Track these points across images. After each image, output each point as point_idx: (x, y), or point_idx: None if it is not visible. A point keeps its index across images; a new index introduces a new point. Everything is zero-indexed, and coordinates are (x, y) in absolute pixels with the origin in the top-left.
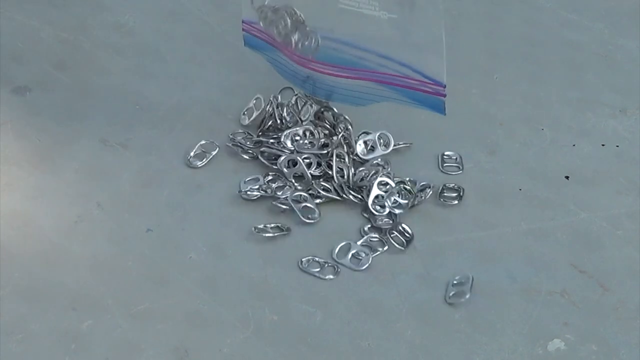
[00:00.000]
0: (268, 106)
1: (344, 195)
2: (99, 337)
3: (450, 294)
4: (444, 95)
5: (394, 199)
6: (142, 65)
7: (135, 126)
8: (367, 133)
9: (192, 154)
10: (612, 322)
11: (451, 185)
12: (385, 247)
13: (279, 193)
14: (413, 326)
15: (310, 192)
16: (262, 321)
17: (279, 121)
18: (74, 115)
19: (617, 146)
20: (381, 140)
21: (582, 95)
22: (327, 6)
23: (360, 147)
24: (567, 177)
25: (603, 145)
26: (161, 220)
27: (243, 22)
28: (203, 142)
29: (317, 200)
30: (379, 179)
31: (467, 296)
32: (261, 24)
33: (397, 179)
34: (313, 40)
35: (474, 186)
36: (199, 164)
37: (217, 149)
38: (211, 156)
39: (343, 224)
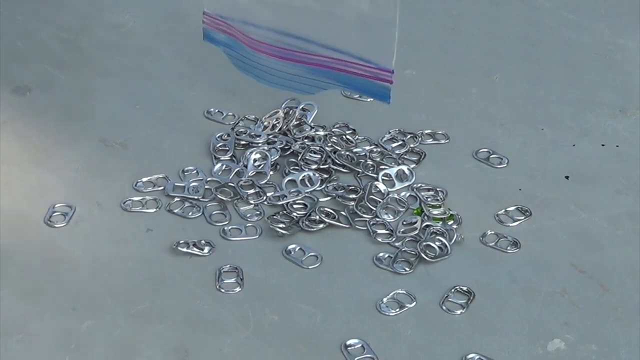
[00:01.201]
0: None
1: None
2: (99, 337)
3: (446, 302)
4: (390, 82)
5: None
6: (142, 65)
7: (135, 126)
8: (387, 166)
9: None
10: (612, 322)
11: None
12: (414, 303)
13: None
14: (413, 326)
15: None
16: (262, 321)
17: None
18: (74, 115)
19: (617, 146)
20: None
21: (582, 95)
22: None
23: (382, 186)
24: (567, 177)
25: (603, 145)
26: (161, 220)
27: (204, 14)
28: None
29: (320, 225)
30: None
31: (461, 312)
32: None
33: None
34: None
35: (474, 186)
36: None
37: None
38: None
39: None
